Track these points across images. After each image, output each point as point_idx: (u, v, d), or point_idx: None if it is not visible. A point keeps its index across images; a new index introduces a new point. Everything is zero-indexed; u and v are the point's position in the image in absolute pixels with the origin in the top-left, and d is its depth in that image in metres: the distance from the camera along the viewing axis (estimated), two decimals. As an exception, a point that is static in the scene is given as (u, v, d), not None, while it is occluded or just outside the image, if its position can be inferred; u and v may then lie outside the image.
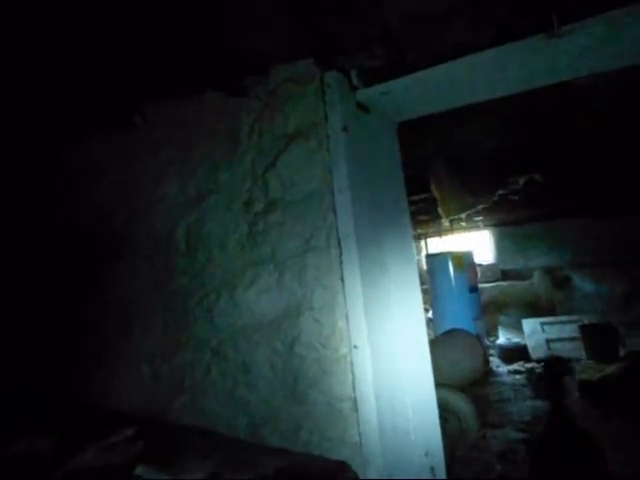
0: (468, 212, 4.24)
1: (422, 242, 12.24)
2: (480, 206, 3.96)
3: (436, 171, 3.64)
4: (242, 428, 2.02)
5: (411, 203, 6.39)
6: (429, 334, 10.33)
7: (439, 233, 9.44)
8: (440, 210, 4.08)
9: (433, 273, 8.96)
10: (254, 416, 1.99)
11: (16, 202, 2.91)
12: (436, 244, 12.01)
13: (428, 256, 10.07)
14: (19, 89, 2.04)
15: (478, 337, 7.68)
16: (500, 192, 4.82)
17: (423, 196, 5.46)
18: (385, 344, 1.91)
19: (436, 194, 3.90)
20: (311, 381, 1.86)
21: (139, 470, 1.66)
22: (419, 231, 10.86)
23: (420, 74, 1.86)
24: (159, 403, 2.28)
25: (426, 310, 12.23)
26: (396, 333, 2.01)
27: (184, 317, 2.21)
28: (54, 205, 2.73)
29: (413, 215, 7.89)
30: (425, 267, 9.46)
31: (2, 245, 2.92)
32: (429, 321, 10.90)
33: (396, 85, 1.91)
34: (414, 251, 2.31)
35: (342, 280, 1.79)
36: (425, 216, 7.81)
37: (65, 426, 2.15)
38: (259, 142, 1.99)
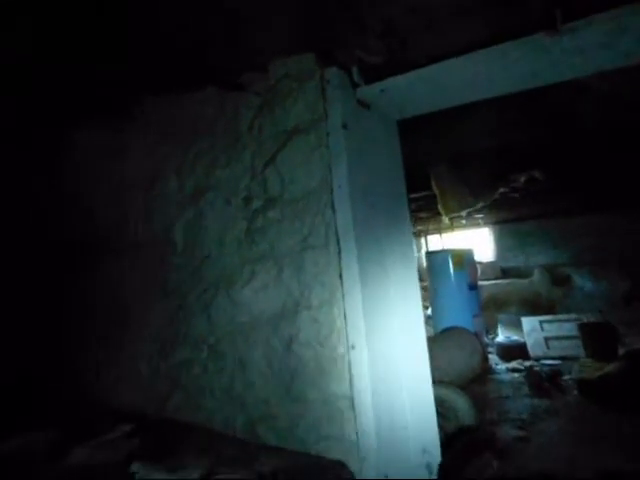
0: (469, 210, 4.22)
1: (422, 239, 12.22)
2: (481, 204, 3.94)
3: (436, 168, 3.62)
4: (239, 426, 2.01)
5: (411, 200, 6.37)
6: (428, 331, 10.34)
7: (439, 230, 9.42)
8: (440, 208, 4.06)
9: (433, 270, 8.92)
10: (251, 414, 1.98)
11: (20, 194, 2.89)
12: (436, 241, 11.98)
13: (428, 253, 10.04)
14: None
15: (477, 335, 7.67)
16: (501, 190, 4.80)
17: (424, 193, 5.44)
18: (383, 343, 1.89)
19: (436, 191, 3.88)
20: (308, 380, 1.85)
21: (135, 467, 1.65)
22: (419, 228, 10.84)
23: (421, 71, 1.83)
24: (157, 400, 2.27)
25: (425, 307, 12.23)
26: (394, 332, 2.00)
27: (181, 314, 2.20)
28: (54, 198, 2.71)
29: (413, 212, 7.87)
30: (425, 264, 9.44)
31: (5, 237, 2.90)
32: (428, 318, 10.91)
33: (397, 82, 1.89)
34: (413, 249, 2.30)
35: (340, 278, 1.78)
36: (425, 213, 7.79)
37: (63, 421, 2.15)
38: (259, 138, 1.97)
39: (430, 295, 9.34)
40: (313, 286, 1.83)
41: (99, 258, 2.52)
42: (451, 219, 8.28)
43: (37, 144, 2.70)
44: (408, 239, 2.30)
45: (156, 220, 2.27)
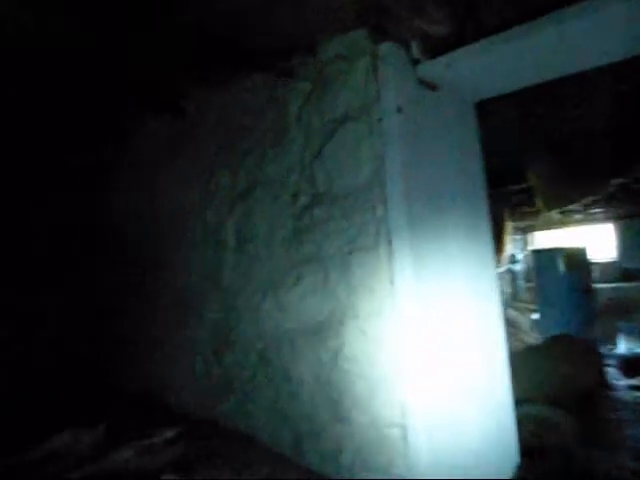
0: (575, 204, 3.62)
1: (528, 236, 11.16)
2: (590, 198, 3.32)
3: (533, 157, 3.12)
4: (285, 442, 1.86)
5: (511, 193, 5.75)
6: (534, 338, 9.40)
7: (548, 226, 8.46)
8: (538, 202, 3.53)
9: (540, 271, 8.07)
10: (296, 430, 1.82)
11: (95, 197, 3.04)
12: (545, 238, 10.87)
13: (534, 252, 9.13)
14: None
15: (591, 344, 6.77)
16: (620, 181, 4.08)
17: (524, 186, 4.85)
18: (446, 363, 1.61)
19: (533, 184, 3.36)
20: (356, 400, 1.64)
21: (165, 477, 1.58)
22: (524, 224, 9.89)
23: (496, 39, 1.51)
24: (210, 402, 2.21)
25: (531, 311, 11.17)
26: (462, 350, 1.70)
27: (233, 315, 2.10)
28: (122, 200, 2.79)
29: (515, 207, 7.15)
30: (531, 264, 8.58)
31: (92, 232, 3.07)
32: (534, 323, 9.92)
33: (466, 55, 1.57)
34: (492, 252, 1.96)
35: (391, 283, 1.53)
36: (529, 208, 7.01)
37: (117, 417, 2.17)
38: (307, 128, 1.78)
39: (537, 298, 8.47)
40: (361, 293, 1.61)
41: (162, 254, 2.53)
42: (562, 214, 7.41)
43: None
44: (485, 240, 1.97)
45: (210, 216, 2.20)
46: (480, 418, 1.74)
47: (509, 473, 1.89)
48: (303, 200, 1.79)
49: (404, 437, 1.51)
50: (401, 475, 1.51)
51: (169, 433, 1.87)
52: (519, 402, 4.55)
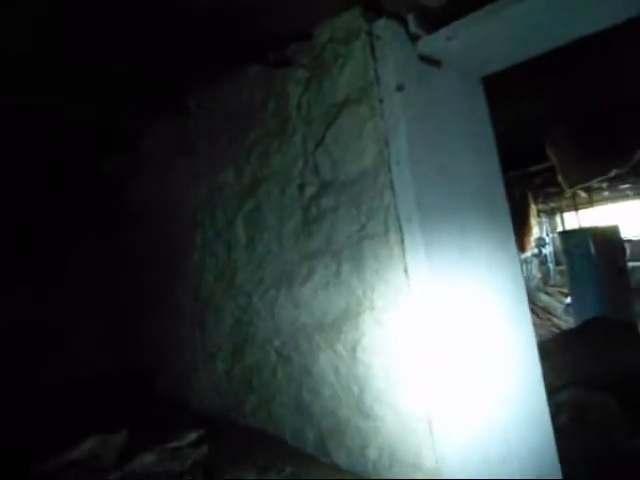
0: (598, 180, 3.46)
1: (557, 217, 10.85)
2: (613, 172, 3.16)
3: (552, 132, 2.99)
4: (309, 440, 1.81)
5: (534, 174, 5.58)
6: (567, 322, 9.12)
7: (575, 207, 8.20)
8: (560, 180, 3.39)
9: (570, 253, 7.81)
10: (320, 428, 1.77)
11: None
12: (575, 219, 10.55)
13: (563, 233, 8.87)
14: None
15: (631, 326, 6.51)
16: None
17: (548, 165, 4.69)
18: (470, 352, 1.54)
19: (553, 161, 3.23)
20: (378, 393, 1.58)
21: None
22: (552, 205, 9.62)
23: (501, 2, 1.42)
24: (232, 402, 2.19)
25: (564, 295, 10.85)
26: (486, 338, 1.63)
27: (249, 314, 2.07)
28: (133, 203, 2.81)
29: (539, 187, 6.94)
30: (560, 246, 8.33)
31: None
32: (567, 307, 9.63)
33: (467, 25, 1.49)
34: (512, 234, 1.87)
35: (406, 272, 1.47)
36: (555, 188, 6.80)
37: (144, 420, 2.18)
38: (308, 116, 1.74)
39: (568, 281, 8.22)
40: (375, 283, 1.55)
41: (179, 253, 2.53)
42: (589, 192, 7.16)
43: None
44: (504, 220, 1.89)
45: (220, 214, 2.18)
46: (508, 407, 1.66)
47: (544, 467, 1.80)
48: (310, 190, 1.74)
49: (430, 430, 1.45)
50: (430, 469, 1.44)
51: (192, 435, 1.86)
52: (557, 388, 4.39)
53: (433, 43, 1.58)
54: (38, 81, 1.94)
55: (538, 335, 8.03)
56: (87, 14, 1.51)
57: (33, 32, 1.58)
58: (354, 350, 1.63)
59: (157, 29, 1.66)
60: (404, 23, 1.54)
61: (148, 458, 1.73)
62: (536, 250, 11.82)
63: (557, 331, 8.56)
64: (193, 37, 1.73)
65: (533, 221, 7.21)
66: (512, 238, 1.93)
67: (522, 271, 1.98)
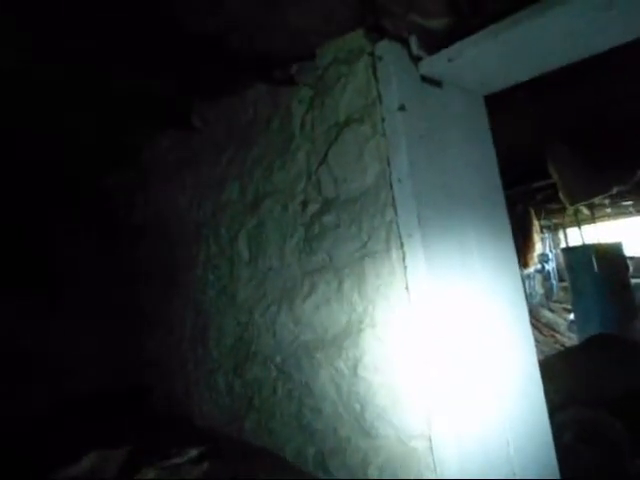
0: (600, 197, 3.46)
1: (559, 234, 10.84)
2: (615, 189, 3.17)
3: (552, 147, 3.01)
4: (310, 458, 1.80)
5: (536, 190, 5.59)
6: (571, 338, 9.04)
7: (578, 223, 8.19)
8: (562, 197, 3.39)
9: (573, 269, 7.79)
10: (321, 446, 1.76)
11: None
12: (578, 235, 10.53)
13: (566, 249, 8.86)
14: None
15: (635, 343, 6.45)
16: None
17: (550, 181, 4.71)
18: (472, 370, 1.54)
19: (554, 176, 3.24)
20: (379, 411, 1.57)
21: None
22: (554, 221, 9.62)
23: (501, 25, 1.45)
24: (233, 419, 2.18)
25: (568, 311, 10.77)
26: (489, 355, 1.62)
27: (250, 330, 2.07)
28: (138, 219, 2.83)
29: (542, 203, 6.95)
30: (563, 262, 8.31)
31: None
32: (571, 324, 9.56)
33: (469, 46, 1.52)
34: (513, 250, 1.87)
35: (407, 289, 1.48)
36: (557, 204, 6.80)
37: (143, 434, 2.17)
38: (312, 135, 1.76)
39: (571, 297, 8.17)
40: (376, 300, 1.56)
41: (181, 269, 2.54)
42: (591, 208, 7.16)
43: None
44: (505, 237, 1.89)
45: (223, 230, 2.19)
46: (510, 425, 1.64)
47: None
48: (312, 208, 1.76)
49: (431, 449, 1.44)
50: (431, 489, 1.43)
51: (193, 452, 1.84)
52: (562, 406, 4.33)
53: (435, 64, 1.60)
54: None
55: (541, 352, 7.96)
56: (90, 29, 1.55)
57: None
58: (355, 367, 1.63)
59: (163, 50, 1.70)
60: (406, 44, 1.56)
61: (149, 474, 1.72)
62: (539, 266, 11.78)
63: (561, 348, 8.49)
64: (199, 57, 1.76)
65: (536, 237, 7.21)
66: (514, 254, 1.93)
67: (524, 287, 1.98)
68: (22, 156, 2.55)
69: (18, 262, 3.10)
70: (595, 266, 7.43)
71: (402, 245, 1.49)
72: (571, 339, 8.83)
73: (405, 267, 1.48)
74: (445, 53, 1.56)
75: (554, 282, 12.78)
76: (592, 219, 7.66)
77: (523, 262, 7.09)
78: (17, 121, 2.15)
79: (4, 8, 1.41)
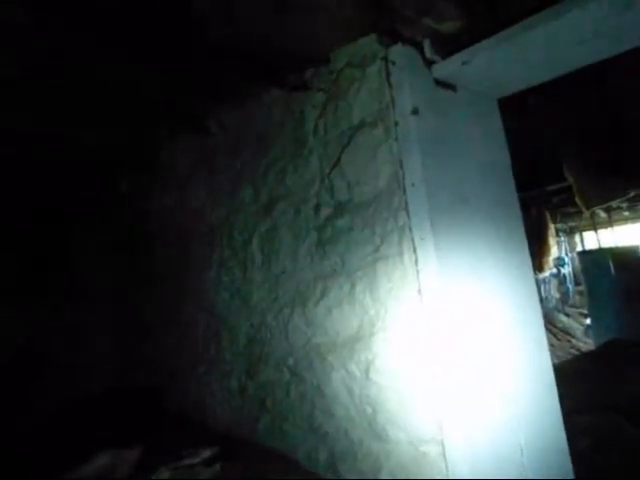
0: (616, 200, 3.41)
1: (576, 237, 10.69)
2: (632, 192, 3.12)
3: (568, 153, 2.97)
4: (322, 461, 1.80)
5: (552, 193, 5.53)
6: (587, 343, 8.91)
7: (595, 226, 8.07)
8: (578, 200, 3.34)
9: (589, 273, 7.68)
10: (332, 449, 1.76)
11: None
12: (594, 239, 10.39)
13: (582, 253, 8.73)
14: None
15: (653, 349, 6.32)
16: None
17: (566, 184, 4.65)
18: (484, 374, 1.53)
19: (570, 180, 3.19)
20: (390, 415, 1.57)
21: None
22: (570, 225, 9.49)
23: (516, 29, 1.44)
24: (246, 420, 2.19)
25: (584, 316, 10.62)
26: (502, 359, 1.61)
27: (263, 332, 2.08)
28: (154, 222, 2.87)
29: (557, 207, 6.87)
30: (579, 266, 8.20)
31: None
32: (587, 328, 9.42)
33: (482, 50, 1.51)
34: (527, 254, 1.86)
35: (419, 293, 1.48)
36: (573, 208, 6.72)
37: (154, 434, 2.19)
38: (325, 139, 1.77)
39: (587, 302, 8.05)
40: (388, 303, 1.56)
41: (194, 272, 2.56)
42: (608, 212, 7.06)
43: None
44: (519, 241, 1.88)
45: (236, 233, 2.21)
46: (524, 430, 1.63)
47: None
48: (325, 211, 1.76)
49: (442, 454, 1.44)
50: (443, 494, 1.43)
51: (206, 452, 1.86)
52: (578, 411, 4.26)
53: (448, 68, 1.60)
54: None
55: (557, 357, 7.85)
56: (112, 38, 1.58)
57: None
58: (367, 370, 1.63)
59: (181, 57, 1.72)
60: (420, 48, 1.57)
61: (162, 474, 1.74)
62: (555, 270, 11.63)
63: (576, 353, 8.37)
64: (216, 63, 1.78)
65: (552, 241, 7.12)
66: (527, 258, 1.92)
67: (539, 292, 1.96)
68: (50, 156, 2.60)
69: (36, 264, 3.16)
70: (612, 270, 7.31)
71: (415, 249, 1.49)
72: (587, 344, 8.71)
73: (418, 271, 1.48)
74: (459, 57, 1.55)
75: (570, 286, 12.61)
76: (609, 222, 7.55)
77: (538, 266, 7.01)
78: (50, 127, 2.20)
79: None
